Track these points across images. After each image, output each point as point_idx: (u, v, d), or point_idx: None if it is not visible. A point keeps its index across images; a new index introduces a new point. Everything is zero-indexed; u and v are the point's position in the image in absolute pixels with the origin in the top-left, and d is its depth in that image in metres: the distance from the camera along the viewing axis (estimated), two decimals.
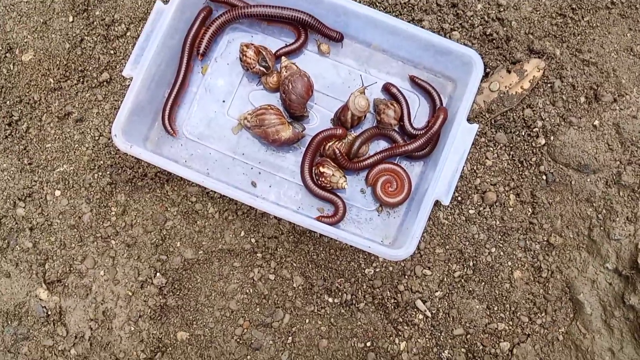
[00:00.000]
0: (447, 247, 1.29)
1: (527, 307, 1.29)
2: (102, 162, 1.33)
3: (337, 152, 1.22)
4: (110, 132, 1.31)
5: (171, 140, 1.31)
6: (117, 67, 1.37)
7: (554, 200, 1.30)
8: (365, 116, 1.26)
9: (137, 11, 1.38)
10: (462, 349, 1.27)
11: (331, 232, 1.14)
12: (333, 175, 1.21)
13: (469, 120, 1.26)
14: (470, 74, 1.19)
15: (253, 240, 1.31)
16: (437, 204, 1.17)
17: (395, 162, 1.28)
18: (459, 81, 1.28)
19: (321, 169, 1.22)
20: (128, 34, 1.38)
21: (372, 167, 1.26)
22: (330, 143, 1.25)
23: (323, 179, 1.22)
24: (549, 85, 1.31)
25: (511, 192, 1.31)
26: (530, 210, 1.30)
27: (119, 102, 1.34)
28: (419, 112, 1.31)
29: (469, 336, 1.28)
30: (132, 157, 1.31)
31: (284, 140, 1.23)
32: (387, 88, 1.28)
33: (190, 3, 1.28)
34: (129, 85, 1.17)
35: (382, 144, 1.30)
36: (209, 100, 1.33)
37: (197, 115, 1.32)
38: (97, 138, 1.33)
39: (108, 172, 1.33)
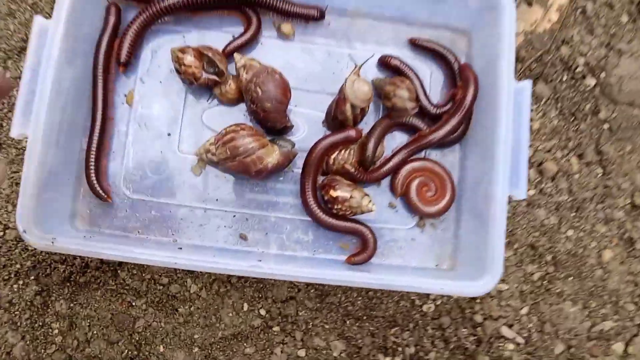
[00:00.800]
0: (516, 246, 0.98)
1: (629, 291, 1.00)
2: (19, 265, 0.92)
3: (350, 168, 0.88)
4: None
5: (112, 207, 0.92)
6: (4, 125, 0.95)
7: (625, 151, 1.01)
8: (368, 107, 0.92)
9: (11, 40, 0.96)
10: None
11: (377, 281, 0.79)
12: (351, 197, 0.86)
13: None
14: (495, 12, 0.87)
15: (263, 311, 0.94)
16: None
17: (425, 156, 0.95)
18: (474, 31, 0.96)
19: (333, 193, 0.87)
20: (7, 75, 0.96)
21: (397, 171, 0.93)
22: (335, 154, 0.90)
23: (340, 206, 0.87)
24: (580, 10, 1.01)
25: (571, 155, 1.01)
26: (600, 171, 1.01)
27: (20, 174, 0.93)
28: (431, 87, 0.98)
29: (573, 350, 0.98)
30: None
31: (271, 168, 0.87)
32: (385, 62, 0.94)
33: (86, 10, 0.88)
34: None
35: (398, 139, 0.96)
36: (147, 138, 0.94)
37: (137, 163, 0.93)
38: (2, 234, 0.92)
39: (32, 278, 0.92)
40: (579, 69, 1.01)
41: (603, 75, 1.01)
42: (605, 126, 1.01)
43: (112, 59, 0.92)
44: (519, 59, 1.00)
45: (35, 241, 0.77)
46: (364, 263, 0.89)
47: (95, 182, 0.89)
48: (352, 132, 0.87)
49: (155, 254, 0.79)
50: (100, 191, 0.89)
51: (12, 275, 0.92)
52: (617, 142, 1.01)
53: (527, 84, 0.84)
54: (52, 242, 0.77)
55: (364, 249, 0.89)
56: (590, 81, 1.01)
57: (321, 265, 0.89)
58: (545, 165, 0.99)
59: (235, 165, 0.86)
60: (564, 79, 1.01)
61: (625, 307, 0.99)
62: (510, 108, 0.83)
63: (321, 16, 0.94)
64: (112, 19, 0.91)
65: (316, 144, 0.88)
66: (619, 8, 1.02)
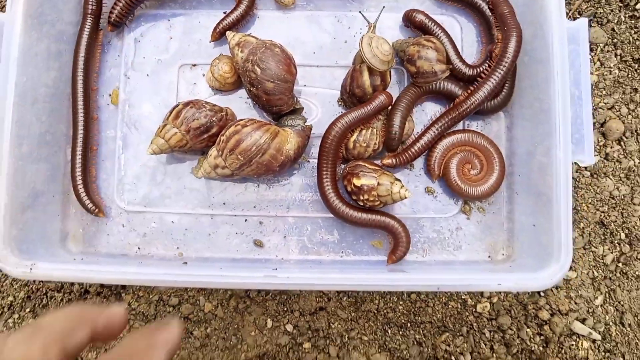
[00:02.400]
0: (582, 224, 0.82)
1: None
2: (11, 298, 0.82)
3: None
4: None
5: (107, 223, 0.80)
6: None
7: None
8: (390, 73, 0.77)
9: None
10: None
11: (413, 283, 0.65)
12: (379, 184, 0.72)
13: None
14: None
15: (289, 326, 0.81)
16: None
17: (464, 129, 0.80)
18: None
19: (357, 182, 0.73)
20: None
21: (432, 148, 0.78)
22: (355, 136, 0.76)
23: (366, 197, 0.73)
24: None
25: (639, 109, 0.84)
26: None
27: None
28: (463, 45, 0.83)
29: None
30: None
31: (295, 155, 0.73)
32: (410, 18, 0.79)
33: (53, 2, 0.76)
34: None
35: (430, 111, 0.81)
36: (139, 141, 0.82)
37: (130, 171, 0.81)
38: None
39: (28, 310, 0.82)
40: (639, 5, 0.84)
41: None
42: None
43: (94, 54, 0.81)
44: (567, 2, 0.83)
45: (11, 270, 0.66)
46: (399, 261, 0.75)
47: (83, 194, 0.78)
48: (382, 97, 0.72)
49: (157, 277, 0.66)
50: (90, 204, 0.77)
51: (6, 309, 0.82)
52: None
53: (582, 22, 0.68)
54: (31, 269, 0.65)
55: (396, 245, 0.75)
56: None
57: (350, 269, 0.75)
58: (609, 125, 0.82)
59: (254, 169, 0.72)
60: (623, 18, 0.84)
61: None
62: (564, 53, 0.67)
63: None
64: (90, 8, 0.79)
65: (334, 122, 0.74)
66: None
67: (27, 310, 0.82)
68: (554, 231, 0.66)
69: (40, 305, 0.82)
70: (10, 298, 0.82)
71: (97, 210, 0.77)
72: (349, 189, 0.75)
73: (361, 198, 0.73)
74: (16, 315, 0.82)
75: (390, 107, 0.77)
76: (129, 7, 0.80)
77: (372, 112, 0.74)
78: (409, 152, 0.77)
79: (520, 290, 0.72)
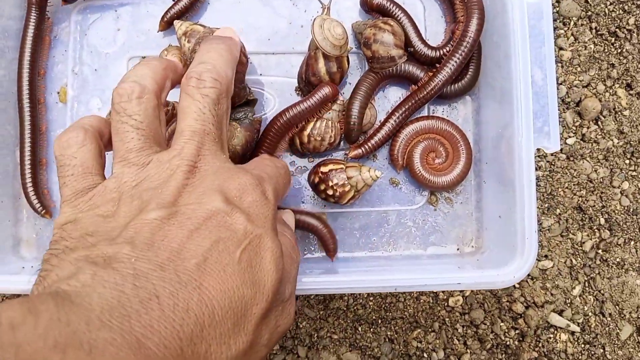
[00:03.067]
0: (558, 210, 0.78)
1: None
2: None
3: (328, 137, 0.70)
4: None
5: None
6: None
7: None
8: (348, 59, 0.72)
9: None
10: None
11: (380, 284, 0.61)
12: (350, 177, 0.68)
13: None
14: None
15: None
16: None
17: (428, 115, 0.75)
18: None
19: (324, 168, 0.69)
20: None
21: (394, 137, 0.73)
22: (309, 129, 0.71)
23: (335, 181, 0.68)
24: None
25: (617, 86, 0.79)
26: None
27: None
28: (426, 27, 0.78)
29: None
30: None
31: (243, 150, 0.69)
32: (368, 1, 0.74)
33: None
34: None
35: (390, 96, 0.77)
36: None
37: None
38: None
39: None
40: None
41: None
42: None
43: (42, 47, 0.77)
44: None
45: None
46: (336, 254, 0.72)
47: (31, 195, 0.74)
48: (325, 89, 0.68)
49: None
50: (37, 203, 0.74)
51: None
52: None
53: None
54: None
55: (323, 240, 0.71)
56: None
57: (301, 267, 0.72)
58: (585, 104, 0.77)
59: None
60: None
61: None
62: (524, 31, 0.62)
63: None
64: (33, 12, 0.75)
65: (273, 121, 0.69)
66: None
67: None
68: (518, 223, 0.61)
69: None
70: None
71: (44, 211, 0.74)
72: (315, 180, 0.70)
73: (330, 184, 0.68)
74: None
75: (350, 96, 0.72)
76: None
77: (316, 106, 0.69)
78: (373, 140, 0.72)
79: (482, 289, 0.69)
